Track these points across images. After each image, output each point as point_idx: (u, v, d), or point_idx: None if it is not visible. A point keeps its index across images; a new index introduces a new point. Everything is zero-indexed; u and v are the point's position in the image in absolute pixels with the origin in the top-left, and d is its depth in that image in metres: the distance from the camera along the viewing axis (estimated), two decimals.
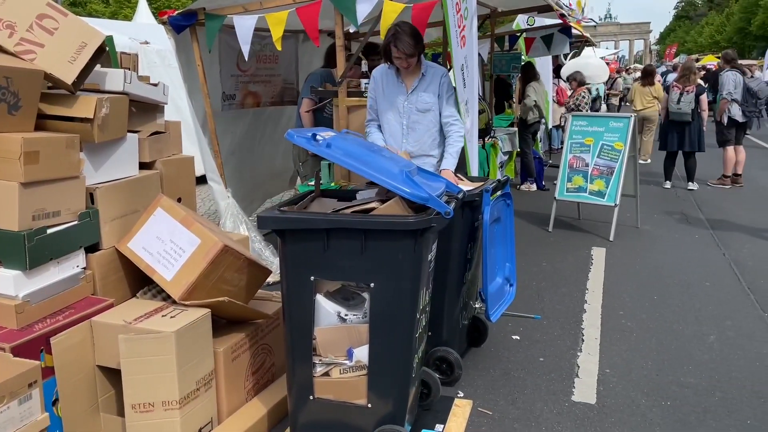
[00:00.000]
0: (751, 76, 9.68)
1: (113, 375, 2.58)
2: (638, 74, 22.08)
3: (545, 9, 6.71)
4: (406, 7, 3.95)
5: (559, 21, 7.24)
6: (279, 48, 4.26)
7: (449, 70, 4.57)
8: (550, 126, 10.61)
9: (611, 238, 5.98)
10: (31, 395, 2.12)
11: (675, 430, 2.90)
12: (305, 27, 4.11)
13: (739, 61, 9.74)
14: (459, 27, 3.99)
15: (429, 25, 5.21)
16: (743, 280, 4.90)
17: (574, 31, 7.94)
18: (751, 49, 38.32)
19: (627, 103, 20.56)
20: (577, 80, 9.37)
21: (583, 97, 9.13)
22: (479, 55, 6.74)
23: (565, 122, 9.34)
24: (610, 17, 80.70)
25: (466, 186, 3.43)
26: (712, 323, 4.08)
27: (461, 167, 3.95)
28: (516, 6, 6.96)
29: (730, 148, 8.70)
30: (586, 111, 8.86)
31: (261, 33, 4.71)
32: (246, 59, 4.55)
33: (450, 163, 3.74)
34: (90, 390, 2.57)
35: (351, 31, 6.17)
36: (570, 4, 7.27)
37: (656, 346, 3.75)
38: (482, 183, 3.48)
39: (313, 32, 4.12)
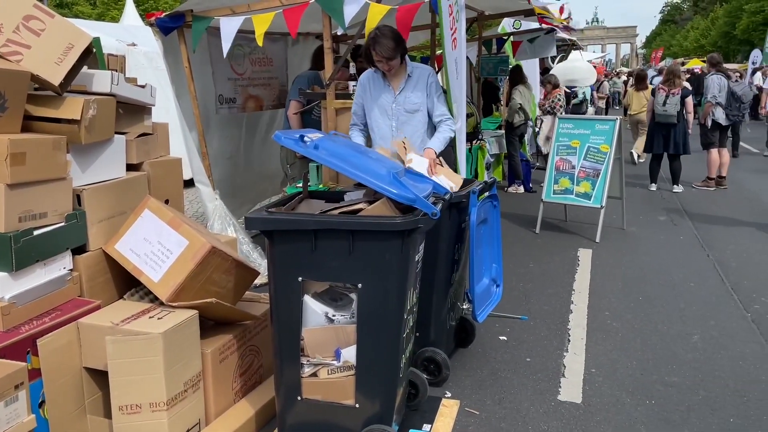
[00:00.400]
0: (736, 80, 9.79)
1: (100, 377, 2.57)
2: (625, 77, 22.33)
3: (531, 13, 6.76)
4: (392, 9, 3.96)
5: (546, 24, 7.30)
6: (260, 44, 4.25)
7: (437, 71, 4.60)
8: (536, 129, 10.70)
9: (597, 240, 6.03)
10: (17, 397, 2.11)
11: (659, 428, 2.93)
12: (288, 24, 4.11)
13: (724, 65, 9.84)
14: (451, 29, 4.02)
15: (416, 28, 5.24)
16: (727, 280, 4.96)
17: (560, 34, 7.99)
18: (736, 53, 38.74)
19: (616, 107, 20.80)
20: (552, 83, 9.42)
21: (558, 100, 9.18)
22: (467, 58, 6.77)
23: (540, 124, 9.37)
24: (597, 21, 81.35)
25: (443, 174, 3.41)
26: (696, 323, 4.13)
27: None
28: (503, 9, 7.01)
29: (714, 151, 8.79)
30: (561, 114, 8.92)
31: (250, 36, 4.72)
32: (224, 56, 4.56)
33: (435, 144, 3.69)
34: (77, 392, 2.56)
35: (338, 33, 6.19)
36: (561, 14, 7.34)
37: (641, 346, 3.79)
38: (469, 184, 3.50)
39: (294, 28, 4.11)
